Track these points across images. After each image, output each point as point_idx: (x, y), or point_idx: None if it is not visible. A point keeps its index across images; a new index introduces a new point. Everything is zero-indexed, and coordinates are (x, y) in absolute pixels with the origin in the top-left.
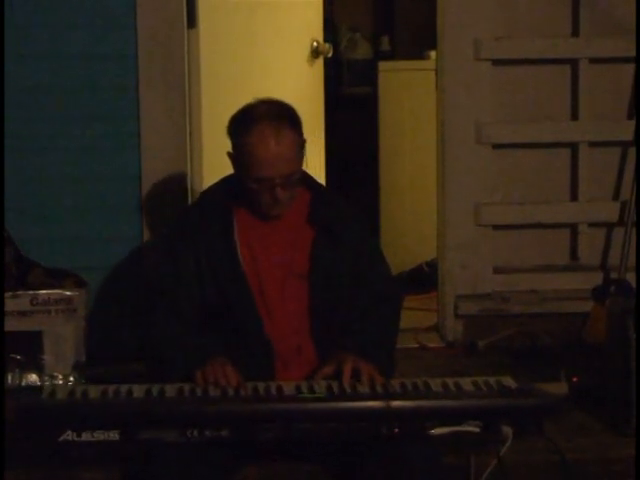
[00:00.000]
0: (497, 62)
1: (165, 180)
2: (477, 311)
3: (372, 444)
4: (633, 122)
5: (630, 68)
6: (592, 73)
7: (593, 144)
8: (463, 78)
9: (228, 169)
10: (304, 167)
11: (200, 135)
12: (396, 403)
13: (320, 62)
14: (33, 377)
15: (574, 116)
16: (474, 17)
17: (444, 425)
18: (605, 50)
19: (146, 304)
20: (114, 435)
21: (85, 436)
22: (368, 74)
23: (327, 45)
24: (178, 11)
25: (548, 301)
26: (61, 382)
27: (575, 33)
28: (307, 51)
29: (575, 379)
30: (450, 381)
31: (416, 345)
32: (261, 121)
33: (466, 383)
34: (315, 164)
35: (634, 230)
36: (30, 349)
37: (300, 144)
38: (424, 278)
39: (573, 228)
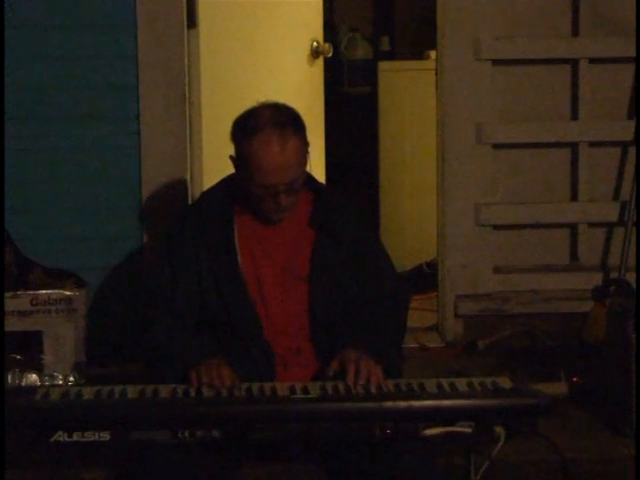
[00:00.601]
0: (497, 62)
1: (165, 180)
2: (477, 311)
3: (365, 445)
4: (633, 122)
5: (630, 68)
6: (592, 73)
7: (593, 144)
8: (463, 78)
9: (228, 169)
10: (307, 169)
11: (200, 135)
12: (389, 404)
13: (320, 62)
14: (33, 377)
15: (574, 116)
16: (474, 17)
17: (437, 426)
18: (605, 50)
19: (144, 304)
20: (105, 436)
21: (76, 436)
22: (368, 74)
23: (327, 45)
24: (178, 11)
25: (548, 301)
26: (61, 382)
27: (575, 33)
28: (307, 51)
29: (575, 379)
30: (445, 382)
31: (416, 345)
32: (265, 128)
33: (461, 384)
34: (315, 164)
35: (634, 230)
36: (30, 349)
37: (304, 149)
38: (424, 278)
39: (573, 228)
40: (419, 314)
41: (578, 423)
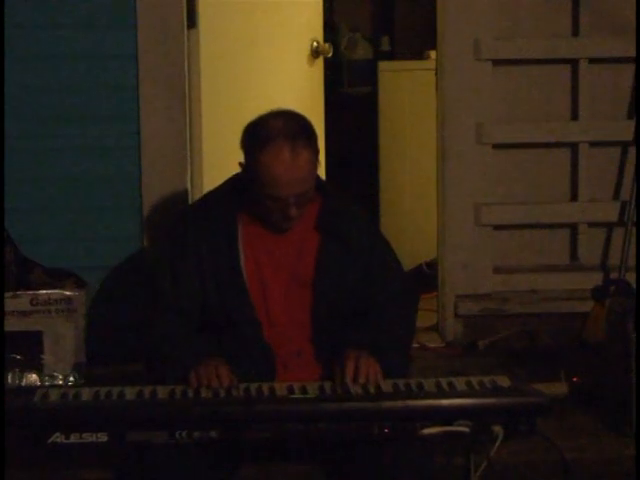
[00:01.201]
0: (497, 62)
1: (165, 180)
2: (477, 311)
3: (363, 444)
4: (633, 122)
5: (630, 68)
6: (592, 73)
7: (593, 144)
8: (463, 78)
9: (228, 169)
10: None
11: (200, 135)
12: (386, 403)
13: (320, 62)
14: (33, 377)
15: (574, 116)
16: (474, 17)
17: (435, 425)
18: (605, 50)
19: (147, 302)
20: (102, 437)
21: (74, 438)
22: (368, 74)
23: (327, 45)
24: (178, 11)
25: (548, 301)
26: (61, 382)
27: (575, 33)
28: (307, 51)
29: (575, 379)
30: (444, 381)
31: (416, 345)
32: (277, 139)
33: (460, 383)
34: None
35: (634, 230)
36: (30, 349)
37: (315, 160)
38: (424, 278)
39: (573, 228)
40: (419, 314)
41: (578, 423)
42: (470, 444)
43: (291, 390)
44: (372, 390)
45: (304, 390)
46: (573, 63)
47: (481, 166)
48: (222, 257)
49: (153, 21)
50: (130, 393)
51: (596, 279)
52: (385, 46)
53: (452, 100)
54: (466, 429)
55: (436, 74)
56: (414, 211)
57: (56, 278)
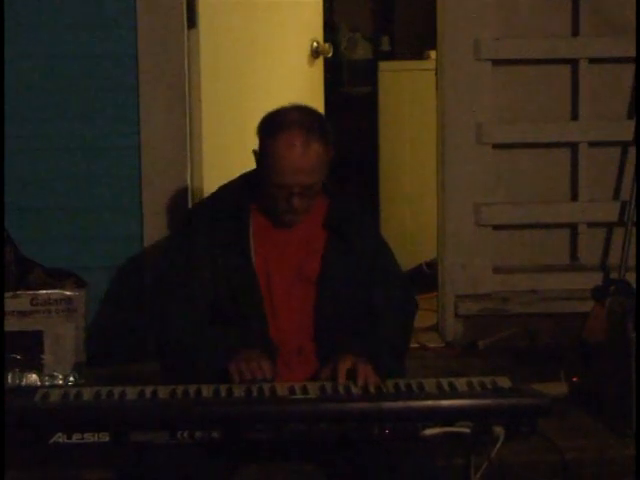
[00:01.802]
0: (497, 62)
1: (165, 180)
2: (477, 311)
3: (364, 445)
4: (633, 122)
5: (630, 68)
6: (592, 73)
7: (593, 144)
8: (463, 78)
9: (228, 169)
10: None
11: (200, 135)
12: (387, 404)
13: (320, 62)
14: (33, 377)
15: (574, 116)
16: (474, 17)
17: (436, 426)
18: (605, 50)
19: (160, 299)
20: (104, 437)
21: (75, 438)
22: (368, 74)
23: (327, 45)
24: (178, 11)
25: (548, 301)
26: (61, 382)
27: (575, 33)
28: (307, 51)
29: (575, 379)
30: (445, 381)
31: (416, 345)
32: (291, 128)
33: (460, 383)
34: None
35: (634, 230)
36: (30, 349)
37: (326, 157)
38: (424, 278)
39: (573, 228)
40: (419, 314)
41: (578, 423)
42: (471, 445)
43: (292, 390)
44: (373, 390)
45: (305, 390)
46: (573, 63)
47: (481, 166)
48: (233, 250)
49: (153, 21)
50: (131, 393)
51: (596, 279)
52: (385, 46)
53: (452, 100)
54: (467, 430)
55: (436, 74)
56: (414, 211)
57: (56, 278)
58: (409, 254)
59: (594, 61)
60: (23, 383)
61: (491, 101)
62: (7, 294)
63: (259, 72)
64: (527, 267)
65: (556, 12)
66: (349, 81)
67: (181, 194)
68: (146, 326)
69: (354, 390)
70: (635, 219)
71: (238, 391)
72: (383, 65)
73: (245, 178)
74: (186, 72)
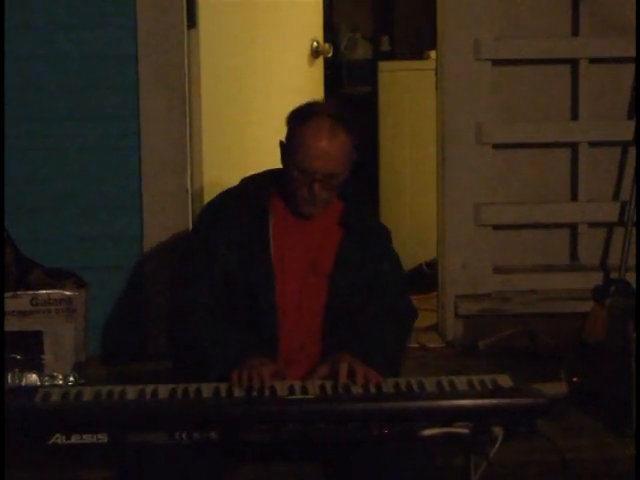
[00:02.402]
0: (497, 62)
1: (165, 180)
2: (477, 311)
3: (363, 445)
4: (633, 122)
5: (630, 68)
6: (592, 73)
7: (593, 144)
8: (463, 78)
9: (228, 169)
10: None
11: (200, 135)
12: (386, 404)
13: (320, 62)
14: (33, 377)
15: (574, 116)
16: (474, 17)
17: (435, 426)
18: (605, 50)
19: (180, 291)
20: (103, 438)
21: (74, 439)
22: (368, 74)
23: (327, 45)
24: (178, 11)
25: (548, 301)
26: (61, 382)
27: (575, 33)
28: (307, 51)
29: (575, 379)
30: (445, 380)
31: (416, 345)
32: (321, 115)
33: (461, 382)
34: None
35: (634, 230)
36: (30, 349)
37: (351, 151)
38: (424, 278)
39: (573, 228)
40: (419, 314)
41: (578, 423)
42: (469, 445)
43: (291, 390)
44: (372, 390)
45: (304, 390)
46: (573, 63)
47: (481, 166)
48: (252, 240)
49: (153, 21)
50: (131, 393)
51: (596, 279)
52: (385, 46)
53: (452, 100)
54: (466, 430)
55: (436, 74)
56: (414, 211)
57: (56, 278)
58: (409, 254)
59: (594, 61)
60: (23, 383)
61: (491, 101)
62: (7, 294)
63: (259, 72)
64: (527, 267)
65: (556, 12)
66: (349, 81)
67: (181, 194)
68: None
69: (354, 390)
70: (635, 219)
71: (238, 391)
72: (383, 65)
73: (269, 173)
74: (186, 72)
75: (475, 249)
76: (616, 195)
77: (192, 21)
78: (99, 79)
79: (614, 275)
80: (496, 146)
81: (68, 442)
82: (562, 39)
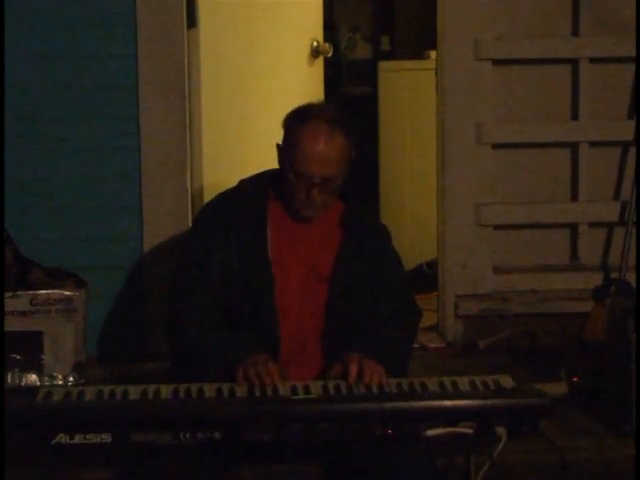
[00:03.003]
0: (497, 62)
1: (165, 180)
2: (477, 311)
3: (366, 445)
4: (633, 122)
5: (630, 68)
6: (592, 73)
7: (593, 144)
8: (463, 78)
9: (228, 169)
10: None
11: (200, 135)
12: (390, 404)
13: (320, 62)
14: (33, 377)
15: (574, 116)
16: (474, 17)
17: (438, 426)
18: (605, 50)
19: (178, 292)
20: (106, 437)
21: (78, 438)
22: (368, 74)
23: (327, 45)
24: (178, 11)
25: (548, 301)
26: (61, 382)
27: (575, 33)
28: (307, 51)
29: (575, 379)
30: (447, 380)
31: (416, 345)
32: (318, 118)
33: (463, 383)
34: None
35: (634, 230)
36: (30, 349)
37: (349, 154)
38: (424, 278)
39: (573, 228)
40: None
41: (578, 423)
42: (472, 445)
43: (294, 390)
44: (375, 390)
45: (307, 390)
46: (573, 63)
47: (481, 166)
48: (250, 242)
49: (153, 21)
50: (134, 393)
51: (596, 279)
52: (385, 46)
53: (452, 100)
54: (470, 430)
55: (436, 74)
56: (414, 211)
57: (56, 278)
58: (409, 254)
59: (594, 61)
60: (23, 383)
61: (491, 101)
62: (7, 294)
63: (259, 72)
64: (527, 267)
65: (556, 12)
66: (349, 81)
67: (181, 194)
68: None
69: (356, 390)
70: (635, 219)
71: (240, 391)
72: (383, 65)
73: (266, 174)
74: (186, 72)
75: (475, 249)
76: (616, 195)
77: (192, 21)
78: (99, 79)
79: (614, 275)
80: (496, 146)
81: (71, 442)
82: (562, 39)
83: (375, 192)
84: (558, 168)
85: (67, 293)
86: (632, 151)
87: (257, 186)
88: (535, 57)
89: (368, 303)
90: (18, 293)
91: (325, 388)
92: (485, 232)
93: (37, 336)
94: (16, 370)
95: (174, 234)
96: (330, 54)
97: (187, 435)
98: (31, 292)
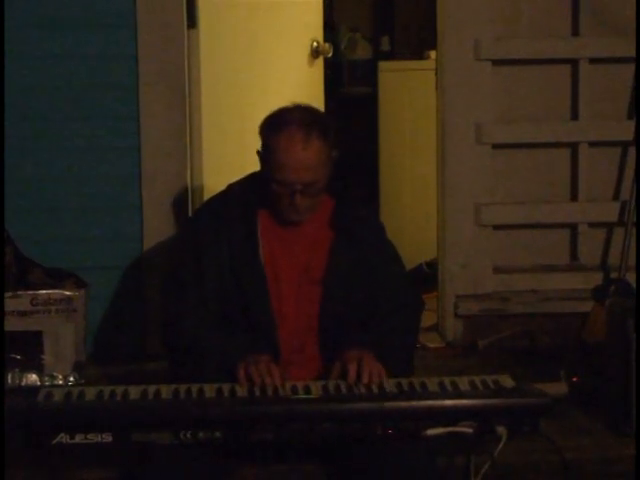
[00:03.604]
0: (497, 62)
1: (165, 180)
2: (477, 311)
3: (367, 445)
4: (633, 122)
5: (630, 68)
6: (592, 73)
7: (593, 144)
8: (463, 78)
9: (228, 169)
10: None
11: (200, 135)
12: (390, 404)
13: (320, 62)
14: (33, 377)
15: (574, 116)
16: (474, 17)
17: (439, 426)
18: (605, 50)
19: (171, 299)
20: (107, 437)
21: (78, 438)
22: (368, 74)
23: (327, 45)
24: (178, 11)
25: (548, 301)
26: (61, 382)
27: (575, 33)
28: (307, 51)
29: (575, 379)
30: (447, 380)
31: (416, 345)
32: (291, 125)
33: (463, 382)
34: None
35: (634, 230)
36: (30, 349)
37: (328, 155)
38: (424, 278)
39: (573, 228)
40: None
41: (578, 423)
42: (472, 445)
43: (295, 390)
44: (375, 390)
45: (308, 390)
46: (573, 63)
47: (481, 166)
48: (241, 246)
49: (153, 21)
50: (134, 393)
51: (596, 279)
52: (385, 46)
53: (452, 100)
54: (470, 430)
55: (436, 74)
56: (414, 211)
57: (56, 278)
58: (409, 254)
59: (594, 61)
60: (23, 383)
61: (491, 101)
62: (7, 294)
63: (259, 72)
64: (527, 267)
65: (556, 12)
66: (349, 81)
67: (181, 194)
68: (162, 323)
69: (357, 390)
70: (635, 219)
71: (241, 391)
72: (383, 65)
73: (253, 176)
74: (186, 72)
75: (475, 249)
76: (616, 195)
77: (192, 21)
78: (99, 79)
79: (614, 275)
80: (496, 146)
81: (72, 442)
82: (562, 39)
83: (375, 192)
84: (558, 168)
85: (67, 293)
86: (632, 151)
87: (246, 190)
88: (535, 57)
89: (365, 301)
90: (18, 293)
91: (325, 388)
92: (485, 232)
93: (37, 336)
94: (16, 370)
95: (174, 234)
96: (330, 54)
97: (188, 435)
98: (31, 292)
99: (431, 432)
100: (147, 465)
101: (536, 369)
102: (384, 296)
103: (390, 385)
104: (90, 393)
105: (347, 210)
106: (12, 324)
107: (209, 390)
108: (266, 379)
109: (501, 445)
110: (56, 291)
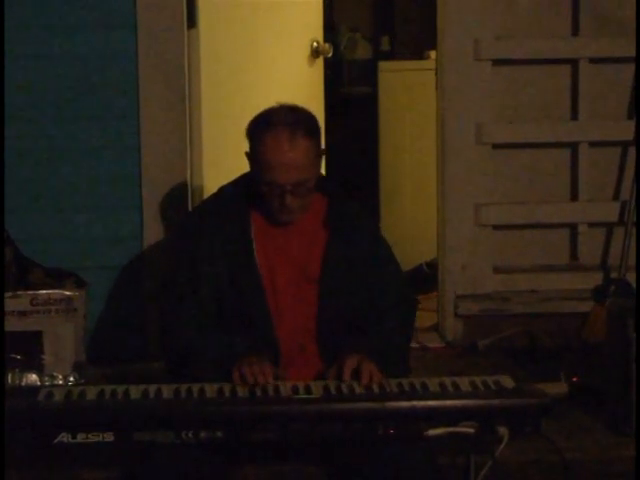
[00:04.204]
0: (497, 62)
1: (165, 180)
2: (477, 311)
3: (368, 445)
4: (633, 122)
5: (630, 68)
6: (592, 73)
7: (593, 144)
8: (463, 78)
9: (228, 169)
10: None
11: (200, 135)
12: (391, 404)
13: (320, 62)
14: (33, 377)
15: (574, 116)
16: (474, 17)
17: (440, 426)
18: (605, 50)
19: (167, 303)
20: (109, 437)
21: (80, 438)
22: (368, 74)
23: (327, 45)
24: (178, 11)
25: (548, 301)
26: (61, 382)
27: (575, 33)
28: (307, 51)
29: (575, 379)
30: (448, 381)
31: (416, 345)
32: (277, 126)
33: (464, 383)
34: None
35: (634, 230)
36: (30, 349)
37: (315, 153)
38: (424, 278)
39: (573, 228)
40: (419, 314)
41: (578, 423)
42: (473, 445)
43: (295, 390)
44: (377, 390)
45: (308, 390)
46: (573, 63)
47: (481, 166)
48: (236, 248)
49: (153, 21)
50: (135, 392)
51: (596, 279)
52: (385, 46)
53: (452, 100)
54: (471, 430)
55: (436, 74)
56: (414, 211)
57: (56, 278)
58: (409, 254)
59: (594, 61)
60: (23, 383)
61: (491, 101)
62: (7, 294)
63: (259, 72)
64: (527, 267)
65: (556, 12)
66: (349, 81)
67: (181, 194)
68: (160, 328)
69: (358, 390)
70: (635, 219)
71: (242, 391)
72: (383, 65)
73: (246, 177)
74: (186, 72)
75: (475, 249)
76: (616, 195)
77: (192, 21)
78: (99, 79)
79: (614, 275)
80: (496, 146)
81: (74, 441)
82: (562, 39)
83: (375, 192)
84: (558, 168)
85: (67, 293)
86: (632, 151)
87: (238, 192)
88: (535, 57)
89: (362, 300)
90: (18, 293)
91: (326, 388)
92: (485, 232)
93: (37, 336)
94: (16, 370)
95: (167, 237)
96: (330, 54)
97: (189, 434)
98: (31, 292)
99: (432, 432)
100: (148, 465)
101: (536, 369)
102: (379, 295)
103: (391, 385)
104: (91, 393)
105: (341, 208)
106: (12, 324)
107: (210, 390)
108: (259, 378)
109: (502, 446)
110: (56, 291)
